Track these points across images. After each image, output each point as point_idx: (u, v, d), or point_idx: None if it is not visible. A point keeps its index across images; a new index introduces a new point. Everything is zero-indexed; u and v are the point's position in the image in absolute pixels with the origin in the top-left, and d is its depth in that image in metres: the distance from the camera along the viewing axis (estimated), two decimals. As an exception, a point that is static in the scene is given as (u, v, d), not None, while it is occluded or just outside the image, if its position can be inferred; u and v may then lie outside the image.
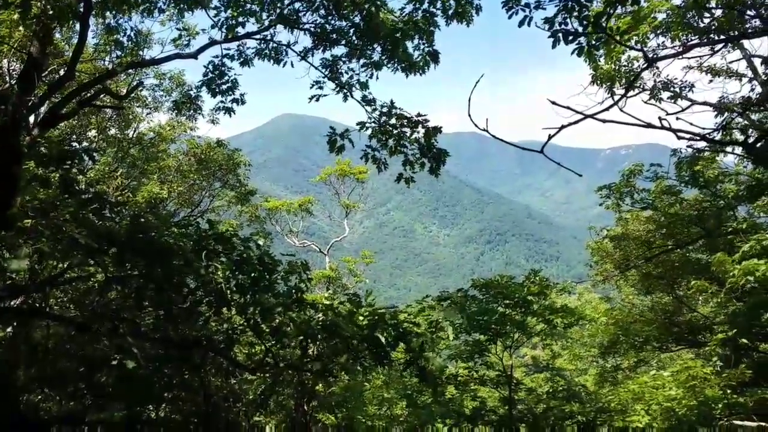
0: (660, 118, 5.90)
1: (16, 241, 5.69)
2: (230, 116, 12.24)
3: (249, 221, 28.03)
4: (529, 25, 7.36)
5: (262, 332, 7.45)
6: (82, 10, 7.39)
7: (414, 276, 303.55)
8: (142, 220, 6.99)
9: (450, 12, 10.97)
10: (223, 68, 12.21)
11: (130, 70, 18.43)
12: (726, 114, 14.39)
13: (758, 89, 14.87)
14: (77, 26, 13.96)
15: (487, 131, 4.34)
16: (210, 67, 12.13)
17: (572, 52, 7.32)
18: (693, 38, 13.10)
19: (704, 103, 14.74)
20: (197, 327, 8.13)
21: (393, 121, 10.37)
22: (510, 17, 7.35)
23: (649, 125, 5.56)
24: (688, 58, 14.22)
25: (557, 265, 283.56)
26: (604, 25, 6.89)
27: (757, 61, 15.05)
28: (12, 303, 7.55)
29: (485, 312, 12.80)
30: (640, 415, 12.50)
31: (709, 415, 11.65)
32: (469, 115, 4.24)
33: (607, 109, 5.36)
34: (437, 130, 10.14)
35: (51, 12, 6.49)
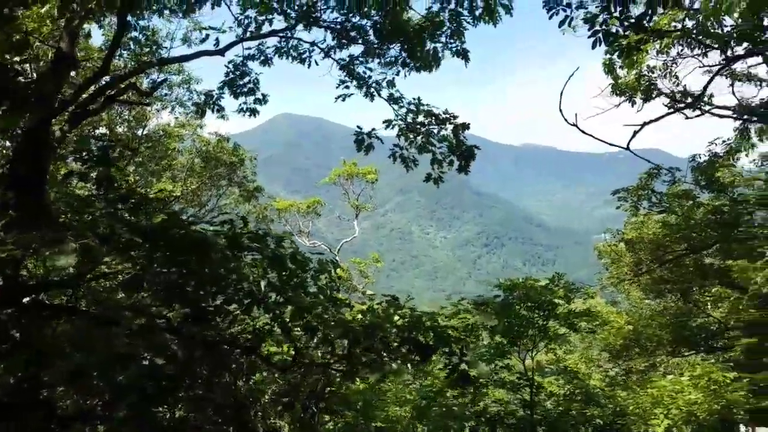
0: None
1: (61, 237, 5.61)
2: (254, 117, 12.07)
3: (256, 221, 27.85)
4: (570, 25, 7.31)
5: (291, 332, 7.38)
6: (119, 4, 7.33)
7: (411, 278, 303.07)
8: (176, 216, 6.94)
9: (477, 12, 10.81)
10: (244, 68, 12.06)
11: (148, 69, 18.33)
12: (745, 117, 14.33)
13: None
14: (96, 23, 13.93)
15: (576, 126, 4.33)
16: (231, 66, 11.98)
17: (613, 53, 7.27)
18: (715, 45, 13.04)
19: (725, 108, 14.70)
20: (224, 326, 8.06)
21: (421, 118, 10.26)
22: (551, 17, 7.28)
23: (745, 119, 5.51)
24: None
25: (554, 269, 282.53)
26: (646, 25, 6.88)
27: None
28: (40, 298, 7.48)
29: (509, 315, 12.74)
30: (660, 419, 12.43)
31: (732, 420, 11.60)
32: (561, 110, 4.22)
33: (687, 106, 5.31)
34: (465, 126, 10.03)
35: (91, 5, 6.42)
